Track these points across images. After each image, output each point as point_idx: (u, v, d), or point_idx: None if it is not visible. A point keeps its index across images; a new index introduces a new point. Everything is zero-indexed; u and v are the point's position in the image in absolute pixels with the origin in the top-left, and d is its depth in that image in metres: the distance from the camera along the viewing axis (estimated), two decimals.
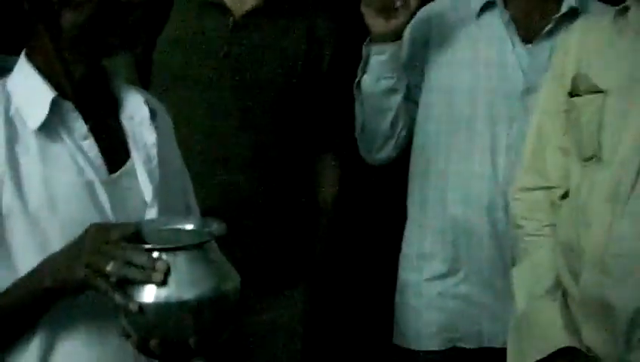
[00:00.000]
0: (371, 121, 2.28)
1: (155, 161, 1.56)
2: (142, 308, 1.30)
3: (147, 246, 1.33)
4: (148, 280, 1.30)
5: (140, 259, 1.31)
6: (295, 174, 2.26)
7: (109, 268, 1.31)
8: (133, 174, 1.54)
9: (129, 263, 1.31)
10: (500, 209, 2.14)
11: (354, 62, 2.26)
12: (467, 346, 2.25)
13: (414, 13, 2.21)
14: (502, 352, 1.89)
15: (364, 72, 2.23)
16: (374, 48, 2.19)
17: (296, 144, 2.25)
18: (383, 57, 2.19)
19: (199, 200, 1.74)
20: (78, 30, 1.47)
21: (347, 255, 2.62)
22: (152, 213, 1.52)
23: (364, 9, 2.16)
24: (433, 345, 2.25)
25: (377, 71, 2.21)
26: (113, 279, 1.32)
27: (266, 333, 2.21)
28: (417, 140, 2.29)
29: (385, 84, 2.22)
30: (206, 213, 1.64)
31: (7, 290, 1.41)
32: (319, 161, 2.35)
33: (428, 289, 2.26)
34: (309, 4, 2.27)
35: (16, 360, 1.45)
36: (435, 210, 2.24)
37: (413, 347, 2.28)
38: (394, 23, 2.16)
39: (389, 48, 2.19)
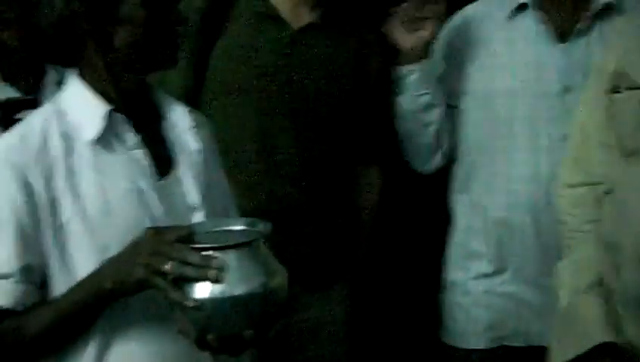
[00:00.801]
0: (414, 136, 2.30)
1: (199, 167, 1.67)
2: (199, 304, 1.38)
3: (201, 245, 1.41)
4: (204, 278, 1.38)
5: (195, 258, 1.39)
6: (340, 182, 2.29)
7: (167, 267, 1.40)
8: (179, 180, 1.64)
9: (185, 262, 1.39)
10: (544, 208, 2.15)
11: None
12: (515, 344, 2.26)
13: (442, 23, 2.22)
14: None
15: (398, 93, 2.25)
16: (405, 69, 2.22)
17: (343, 155, 2.28)
18: (414, 76, 2.22)
19: (248, 207, 1.80)
20: (130, 48, 1.55)
21: (390, 254, 2.64)
22: (198, 217, 1.62)
23: (389, 28, 2.17)
24: (481, 343, 2.27)
25: (412, 90, 2.23)
26: (170, 278, 1.40)
27: (312, 330, 2.24)
28: (459, 144, 2.31)
29: (422, 100, 2.24)
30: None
31: (67, 293, 1.50)
32: (363, 172, 2.38)
33: (475, 287, 2.28)
34: (359, 19, 2.29)
35: (73, 358, 1.53)
36: (479, 211, 2.26)
37: (461, 345, 2.30)
38: (422, 35, 2.17)
39: (419, 66, 2.20)
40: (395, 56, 2.26)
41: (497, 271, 2.24)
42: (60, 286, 1.51)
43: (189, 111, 1.72)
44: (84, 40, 1.55)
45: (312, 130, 2.20)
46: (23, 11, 2.80)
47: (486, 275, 2.26)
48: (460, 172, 2.32)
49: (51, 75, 2.90)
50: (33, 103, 2.78)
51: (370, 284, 2.46)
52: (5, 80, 2.88)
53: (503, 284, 2.24)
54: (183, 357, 1.56)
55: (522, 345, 2.25)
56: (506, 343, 2.26)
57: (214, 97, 2.17)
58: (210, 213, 1.63)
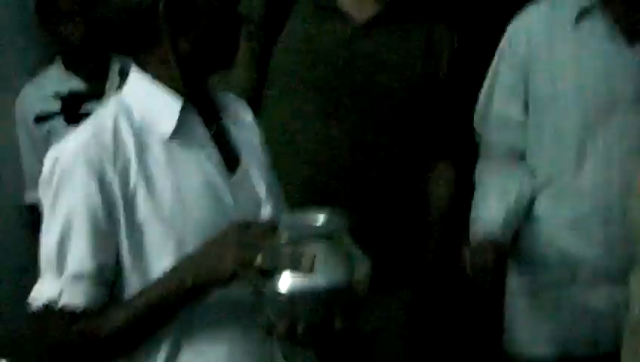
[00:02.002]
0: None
1: (262, 160, 1.68)
2: (289, 295, 1.36)
3: (290, 237, 1.40)
4: (297, 268, 1.36)
5: (287, 249, 1.37)
6: (409, 180, 2.25)
7: (258, 259, 1.37)
8: (247, 174, 1.63)
9: (277, 254, 1.36)
10: (615, 218, 2.09)
11: (471, 69, 2.23)
12: (581, 353, 2.20)
13: None
14: (615, 358, 1.85)
15: None
16: None
17: (412, 151, 2.23)
18: None
19: (305, 204, 1.78)
20: (206, 40, 1.53)
21: (456, 261, 2.59)
22: (267, 209, 1.62)
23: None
24: (546, 351, 2.22)
25: None
26: (258, 270, 1.38)
27: (374, 330, 2.21)
28: (529, 152, 2.24)
29: None
30: None
31: (143, 292, 1.47)
32: (434, 169, 2.33)
33: (541, 295, 2.22)
34: (427, 10, 2.25)
35: (146, 358, 1.51)
36: (547, 219, 2.20)
37: (526, 353, 2.25)
38: None
39: None
40: (467, 47, 2.23)
41: (565, 280, 2.18)
42: (133, 285, 1.49)
43: (247, 106, 1.71)
44: (159, 31, 1.51)
45: (379, 124, 2.16)
46: (86, 3, 2.81)
47: (553, 283, 2.20)
48: None
49: (115, 65, 2.91)
50: (98, 95, 2.79)
51: (435, 290, 2.41)
52: (69, 69, 2.88)
53: (571, 292, 2.18)
54: (253, 356, 1.55)
55: (589, 353, 2.19)
56: (572, 352, 2.20)
57: (277, 92, 2.15)
58: (275, 207, 1.63)
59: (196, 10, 1.50)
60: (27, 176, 2.87)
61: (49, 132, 2.82)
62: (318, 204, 1.84)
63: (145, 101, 1.55)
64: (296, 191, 1.99)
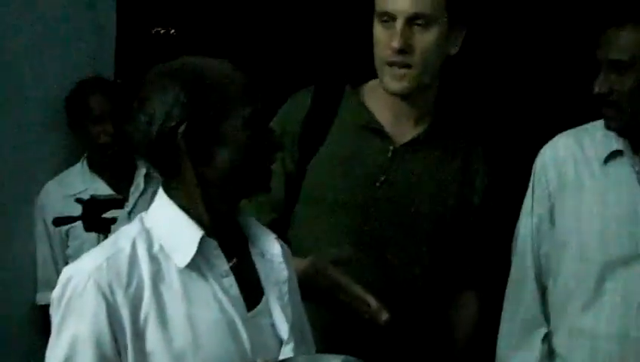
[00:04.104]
0: None
1: (286, 298, 1.60)
2: None
3: None
4: None
5: None
6: (434, 308, 2.19)
7: None
8: (268, 311, 1.57)
9: None
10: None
11: (506, 199, 2.20)
12: None
13: None
14: None
15: None
16: None
17: (439, 277, 2.18)
18: None
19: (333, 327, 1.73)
20: (232, 170, 1.48)
21: None
22: (288, 350, 1.54)
23: None
24: None
25: None
26: None
27: None
28: (551, 283, 2.16)
29: None
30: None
31: None
32: (460, 297, 2.27)
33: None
34: (466, 136, 2.23)
35: None
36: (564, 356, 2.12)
37: None
38: None
39: None
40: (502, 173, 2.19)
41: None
42: None
43: (276, 239, 1.65)
44: (181, 157, 1.47)
45: (412, 247, 2.11)
46: (116, 108, 2.82)
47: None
48: (555, 300, 2.17)
49: (141, 169, 2.90)
50: (120, 203, 2.78)
51: None
52: (93, 170, 2.88)
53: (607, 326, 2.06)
54: None
55: None
56: None
57: (308, 211, 2.11)
58: (298, 347, 1.57)
59: (221, 138, 1.47)
60: (40, 276, 2.83)
61: (67, 233, 2.80)
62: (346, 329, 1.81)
63: (166, 227, 1.50)
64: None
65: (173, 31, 5.19)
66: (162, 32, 5.19)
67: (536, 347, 2.13)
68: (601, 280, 2.05)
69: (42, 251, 2.83)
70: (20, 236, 2.81)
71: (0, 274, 2.71)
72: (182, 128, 1.44)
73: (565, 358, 2.11)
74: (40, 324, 2.75)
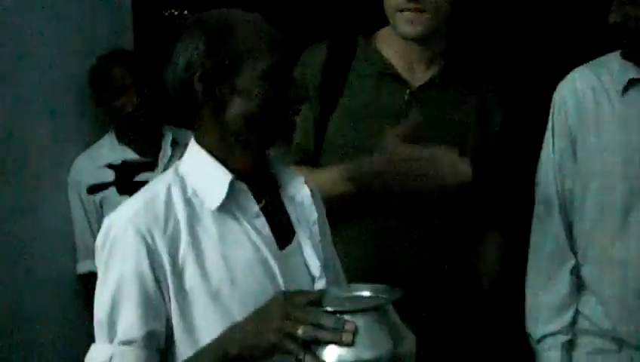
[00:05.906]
0: None
1: (317, 238, 1.66)
2: None
3: (332, 309, 1.38)
4: (338, 341, 1.34)
5: (330, 321, 1.35)
6: (459, 249, 2.22)
7: (300, 331, 1.36)
8: (299, 250, 1.63)
9: (319, 326, 1.35)
10: None
11: (521, 139, 2.21)
12: None
13: None
14: None
15: None
16: None
17: (461, 220, 2.21)
18: None
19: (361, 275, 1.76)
20: (243, 121, 1.54)
21: (501, 329, 2.55)
22: (320, 286, 1.61)
23: None
24: None
25: None
26: (301, 341, 1.36)
27: None
28: (577, 218, 2.17)
29: None
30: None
31: (190, 359, 1.48)
32: (482, 239, 2.30)
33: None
34: (480, 79, 2.25)
35: None
36: (593, 289, 2.15)
37: None
38: None
39: None
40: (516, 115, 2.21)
41: (613, 349, 2.13)
42: (183, 351, 1.50)
43: (306, 183, 1.70)
44: (201, 105, 1.54)
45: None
46: (139, 77, 2.86)
47: (602, 350, 2.15)
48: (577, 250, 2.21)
49: (167, 136, 2.95)
50: (150, 165, 2.82)
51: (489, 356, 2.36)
52: (121, 141, 2.93)
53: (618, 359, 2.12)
54: None
55: None
56: None
57: (333, 159, 2.15)
58: (330, 283, 1.61)
59: (236, 89, 1.52)
60: (79, 246, 2.90)
61: (101, 202, 2.86)
62: (370, 276, 1.86)
63: (198, 173, 1.57)
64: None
65: (186, 12, 5.17)
66: (176, 13, 5.17)
67: (565, 279, 2.15)
68: (627, 210, 2.06)
69: (79, 222, 2.89)
70: (56, 208, 2.87)
71: (39, 245, 2.77)
72: (197, 75, 1.50)
73: (595, 289, 2.14)
74: (81, 294, 2.84)
